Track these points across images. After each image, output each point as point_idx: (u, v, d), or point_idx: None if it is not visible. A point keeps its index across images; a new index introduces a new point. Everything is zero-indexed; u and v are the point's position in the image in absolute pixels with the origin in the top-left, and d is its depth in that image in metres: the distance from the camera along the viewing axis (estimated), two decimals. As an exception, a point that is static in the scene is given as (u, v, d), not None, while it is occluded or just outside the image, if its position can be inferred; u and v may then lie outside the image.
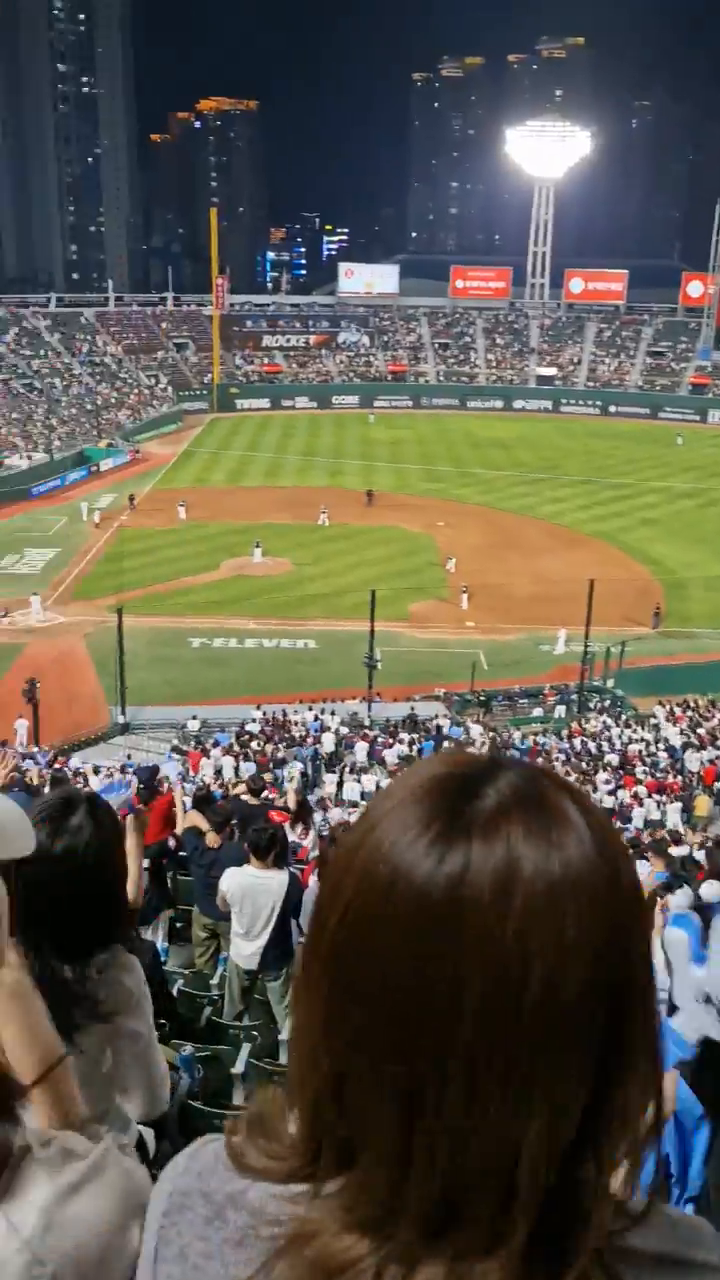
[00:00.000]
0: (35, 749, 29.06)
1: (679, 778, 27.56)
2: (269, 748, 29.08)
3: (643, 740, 31.46)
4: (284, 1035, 7.17)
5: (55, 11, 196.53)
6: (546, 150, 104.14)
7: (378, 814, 0.79)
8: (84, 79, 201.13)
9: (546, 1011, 0.72)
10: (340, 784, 27.10)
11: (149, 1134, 3.14)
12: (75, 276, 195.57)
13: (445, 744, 30.45)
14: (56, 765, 24.88)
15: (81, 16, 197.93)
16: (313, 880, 7.65)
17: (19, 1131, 1.07)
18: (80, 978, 2.49)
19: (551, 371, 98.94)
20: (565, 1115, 0.75)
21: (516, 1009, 0.72)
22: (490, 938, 0.72)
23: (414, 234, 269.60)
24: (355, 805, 24.62)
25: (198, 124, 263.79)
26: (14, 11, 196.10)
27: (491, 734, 31.75)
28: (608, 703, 37.31)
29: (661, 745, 30.89)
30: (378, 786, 26.18)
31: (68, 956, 2.43)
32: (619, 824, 20.62)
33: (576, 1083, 0.75)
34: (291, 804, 14.39)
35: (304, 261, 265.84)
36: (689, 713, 33.64)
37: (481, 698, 35.80)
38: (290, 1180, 0.83)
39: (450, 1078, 0.73)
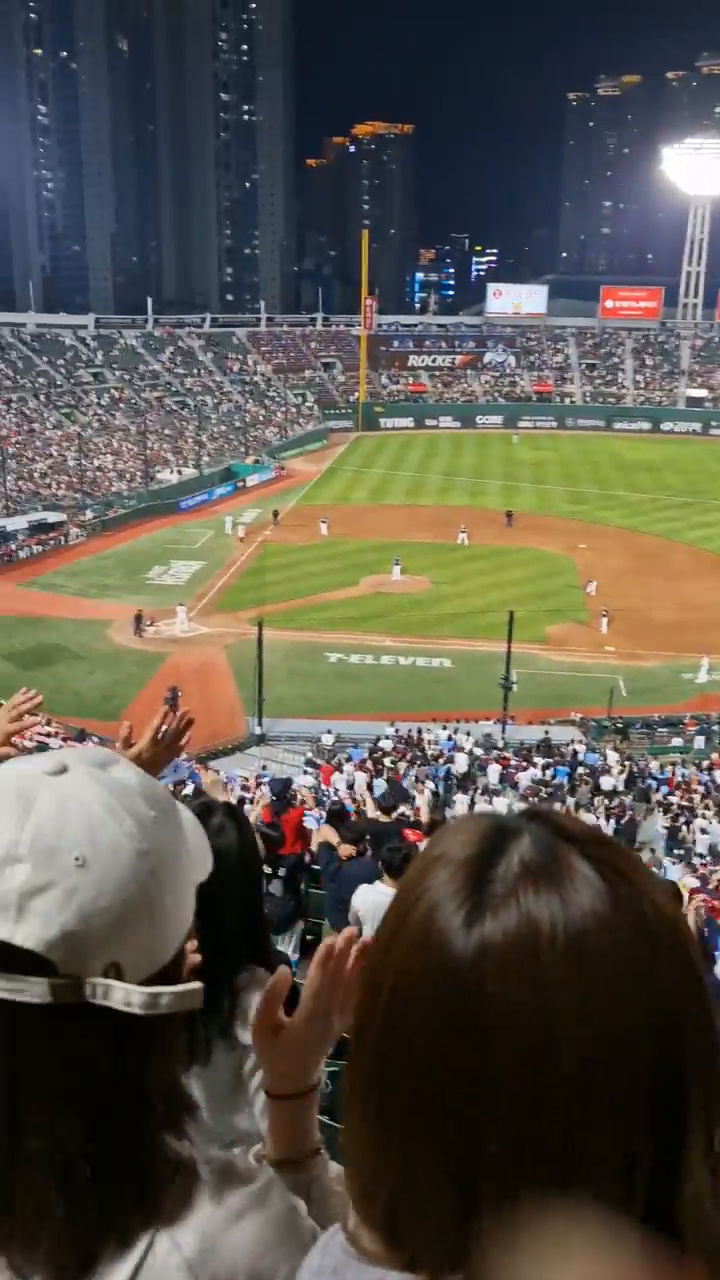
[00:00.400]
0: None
1: None
2: (402, 765, 29.14)
3: (788, 776, 30.21)
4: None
5: (220, 44, 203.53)
6: (705, 168, 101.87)
7: (412, 898, 0.80)
8: (245, 108, 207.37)
9: (582, 1079, 0.71)
10: (472, 805, 26.93)
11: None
12: (229, 298, 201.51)
13: (580, 770, 29.95)
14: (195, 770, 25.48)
15: (244, 48, 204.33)
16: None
17: (187, 1149, 1.06)
18: (223, 991, 2.55)
19: (702, 393, 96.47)
20: (620, 1182, 0.72)
21: (549, 1075, 0.71)
22: (512, 1003, 0.72)
23: (564, 254, 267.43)
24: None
25: (352, 148, 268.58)
26: (180, 45, 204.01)
27: (628, 762, 31.06)
28: (752, 735, 35.98)
29: None
30: (509, 810, 25.90)
31: (215, 966, 2.49)
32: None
33: (627, 1155, 0.72)
34: (424, 819, 14.37)
35: (452, 282, 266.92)
36: None
37: (619, 724, 35.02)
38: (414, 1269, 0.80)
39: (494, 1164, 0.72)
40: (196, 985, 0.99)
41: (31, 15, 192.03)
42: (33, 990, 0.91)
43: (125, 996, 0.93)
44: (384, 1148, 0.79)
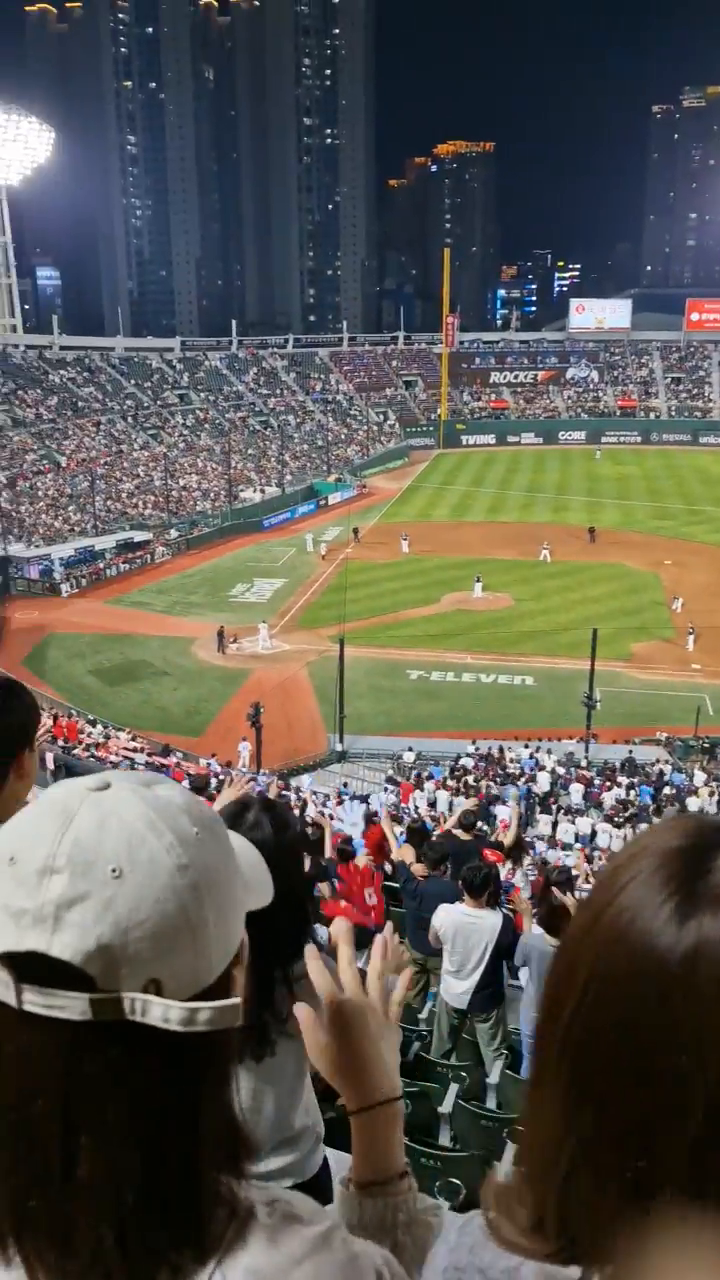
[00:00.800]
0: (257, 772, 30.06)
1: None
2: (483, 783, 28.90)
3: None
4: (492, 1079, 7.05)
5: (302, 70, 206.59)
6: None
7: (613, 889, 0.78)
8: (327, 131, 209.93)
9: None
10: (555, 825, 26.59)
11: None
12: (312, 318, 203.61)
13: (665, 790, 29.34)
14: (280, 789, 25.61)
15: (327, 73, 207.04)
16: (531, 928, 7.51)
17: (246, 1190, 1.04)
18: (278, 983, 2.55)
19: None
20: None
21: None
22: None
23: (648, 267, 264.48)
24: (569, 847, 24.08)
25: (433, 167, 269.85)
26: (262, 72, 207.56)
27: (715, 783, 30.33)
28: None
29: None
30: (593, 830, 25.51)
31: (266, 960, 2.47)
32: None
33: None
34: (509, 841, 14.23)
35: (534, 298, 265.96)
36: None
37: (706, 744, 34.27)
38: (554, 1260, 0.80)
39: (679, 1167, 0.71)
40: (235, 1000, 0.98)
41: (121, 49, 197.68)
42: (73, 1007, 0.90)
43: (163, 1012, 0.91)
44: (564, 1135, 0.78)
